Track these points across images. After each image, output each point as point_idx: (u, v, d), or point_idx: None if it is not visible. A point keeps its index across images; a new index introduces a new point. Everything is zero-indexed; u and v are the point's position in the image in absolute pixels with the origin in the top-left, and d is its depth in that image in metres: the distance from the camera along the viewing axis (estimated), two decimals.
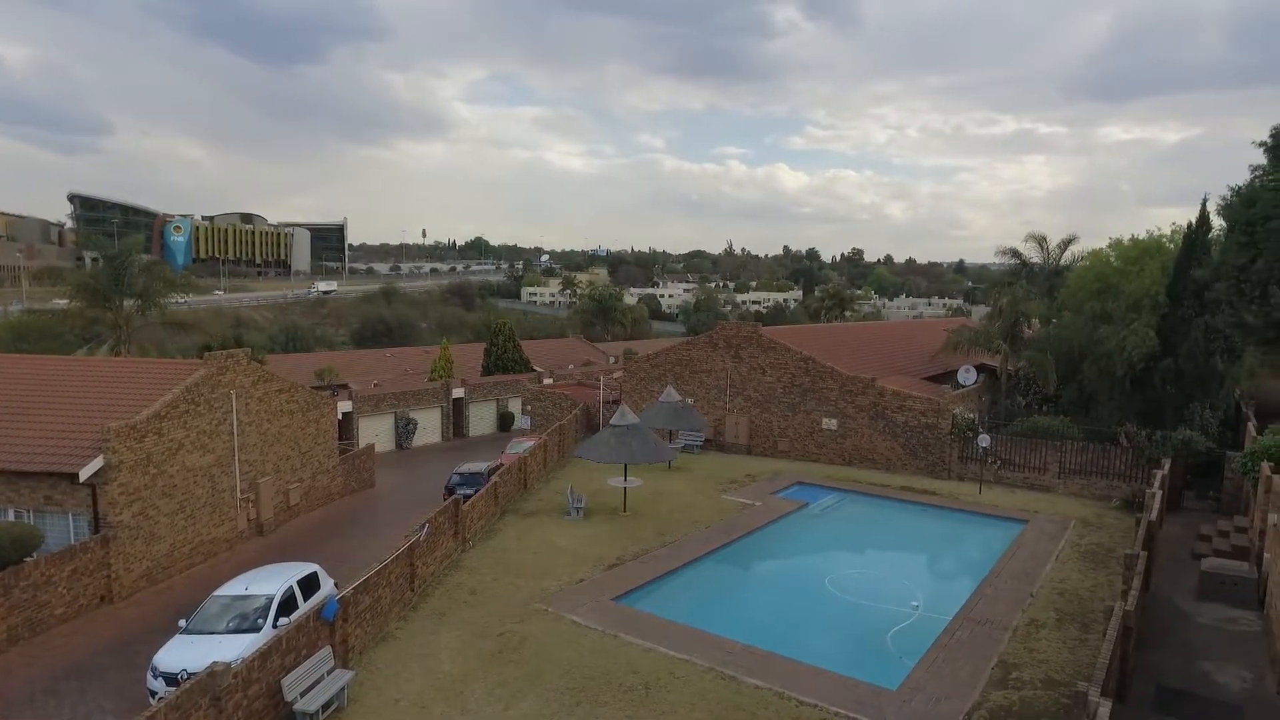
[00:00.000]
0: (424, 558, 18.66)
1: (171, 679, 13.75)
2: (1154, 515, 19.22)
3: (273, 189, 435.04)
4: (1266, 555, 16.76)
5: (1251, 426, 24.71)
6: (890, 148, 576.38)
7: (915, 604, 18.46)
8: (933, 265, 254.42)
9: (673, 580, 19.88)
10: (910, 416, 31.25)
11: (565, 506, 25.00)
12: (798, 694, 13.61)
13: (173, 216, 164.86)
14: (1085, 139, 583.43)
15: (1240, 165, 74.07)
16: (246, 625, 15.17)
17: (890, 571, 22.21)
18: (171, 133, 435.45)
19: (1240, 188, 25.11)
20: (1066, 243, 39.44)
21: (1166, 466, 24.11)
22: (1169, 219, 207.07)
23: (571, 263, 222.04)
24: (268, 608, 15.43)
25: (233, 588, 16.17)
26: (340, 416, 36.49)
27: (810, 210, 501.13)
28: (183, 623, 15.48)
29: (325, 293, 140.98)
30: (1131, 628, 13.32)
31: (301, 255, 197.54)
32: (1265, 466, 18.67)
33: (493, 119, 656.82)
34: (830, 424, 32.96)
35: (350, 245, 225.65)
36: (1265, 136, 24.55)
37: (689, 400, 34.96)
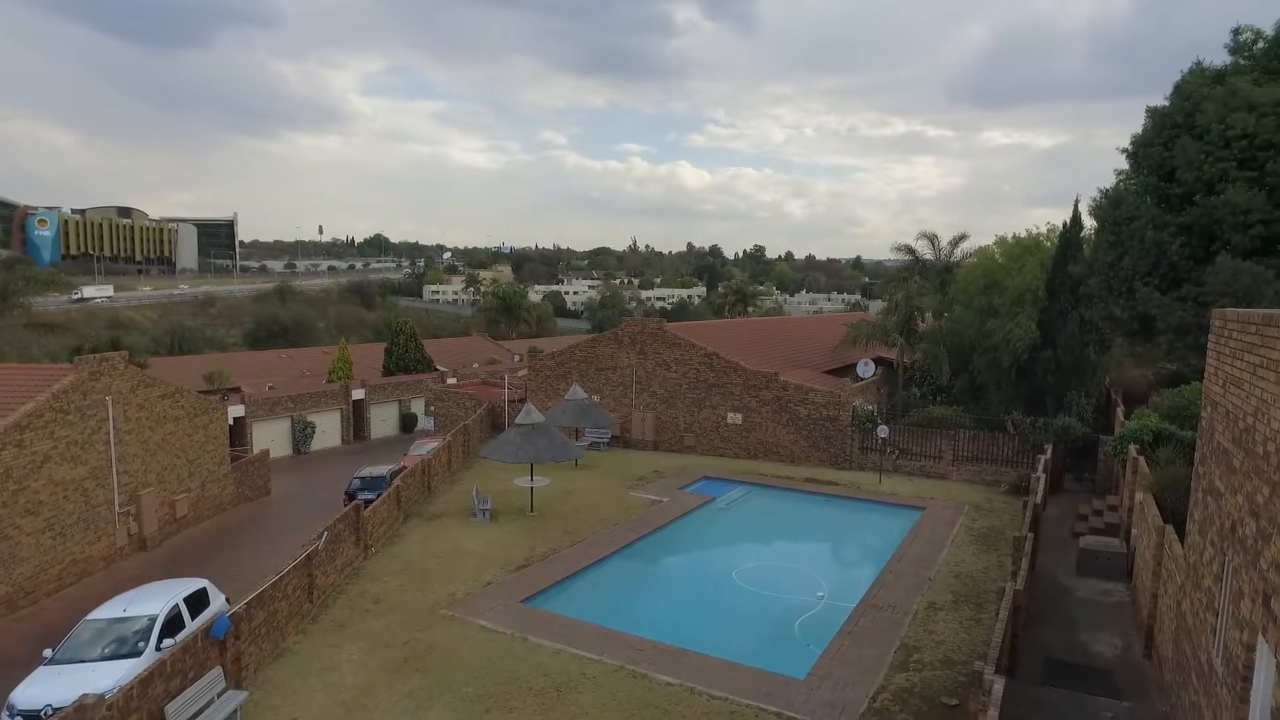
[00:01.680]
0: (323, 567, 17.86)
1: (32, 716, 12.51)
2: (1038, 498, 20.35)
3: (154, 182, 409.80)
4: (1134, 531, 17.97)
5: (1120, 412, 26.52)
6: (789, 147, 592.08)
7: (821, 594, 18.91)
8: (832, 261, 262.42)
9: (582, 580, 19.72)
10: (812, 409, 32.05)
11: (471, 508, 24.46)
12: (708, 688, 13.69)
13: (36, 209, 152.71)
14: (969, 142, 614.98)
15: (1107, 169, 79.46)
16: (125, 650, 13.99)
17: (796, 562, 22.71)
18: (31, 117, 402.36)
19: (1108, 190, 26.82)
20: (957, 240, 41.22)
21: (1049, 451, 25.59)
22: (1046, 218, 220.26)
23: (475, 260, 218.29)
24: (149, 629, 14.33)
25: (109, 610, 14.90)
26: (232, 422, 34.67)
27: (712, 207, 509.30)
28: (48, 652, 14.04)
29: (87, 300, 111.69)
30: (1020, 606, 14.01)
31: (188, 252, 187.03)
32: (1132, 449, 20.02)
33: (391, 112, 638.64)
34: (735, 418, 33.46)
35: (241, 242, 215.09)
36: (1127, 144, 26.32)
37: (595, 398, 34.85)
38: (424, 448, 31.66)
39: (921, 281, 39.92)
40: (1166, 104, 24.92)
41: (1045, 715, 12.31)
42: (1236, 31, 24.71)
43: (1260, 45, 24.14)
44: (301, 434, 41.47)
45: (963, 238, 41.46)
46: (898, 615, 16.89)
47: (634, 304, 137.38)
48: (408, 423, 47.25)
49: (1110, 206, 25.92)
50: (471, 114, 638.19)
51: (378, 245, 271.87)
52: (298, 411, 41.57)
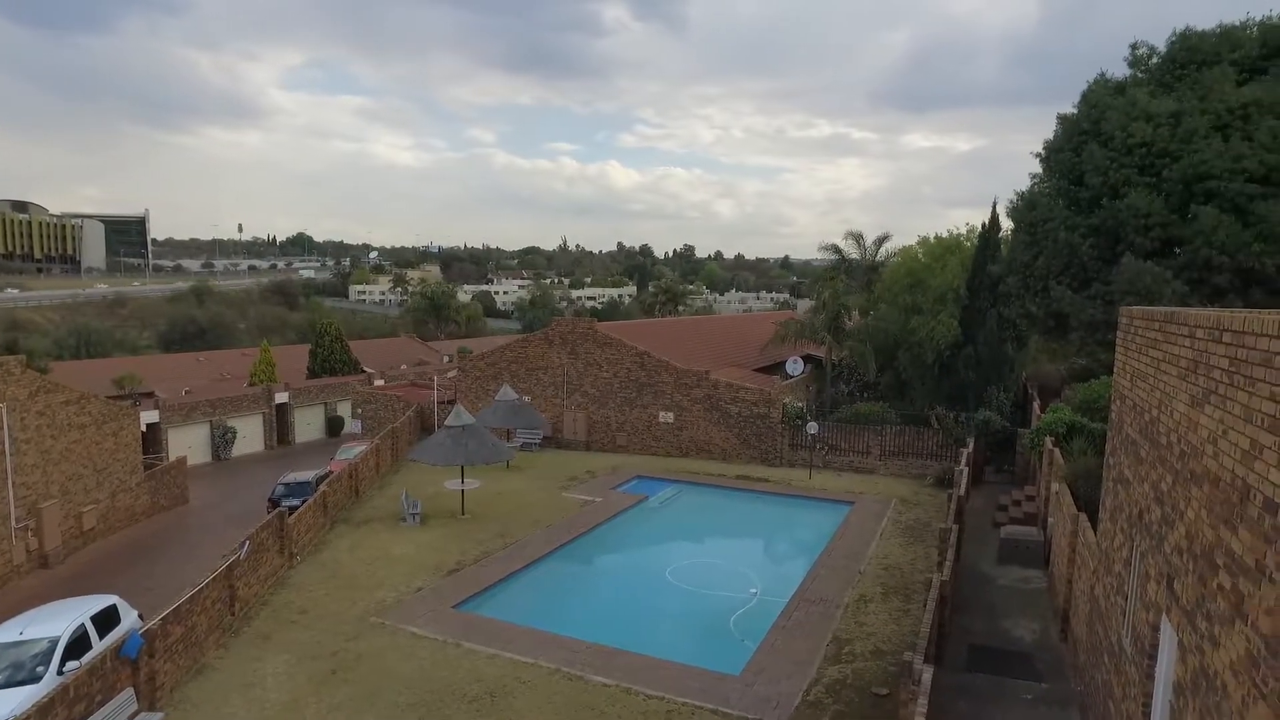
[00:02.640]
0: (245, 578, 17.17)
1: None
2: (962, 490, 21.04)
3: (55, 175, 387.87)
4: (1050, 520, 18.75)
5: (1036, 406, 27.66)
6: (717, 147, 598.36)
7: (754, 590, 19.13)
8: (760, 261, 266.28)
9: (515, 582, 19.49)
10: (743, 407, 32.42)
11: (400, 513, 23.91)
12: (644, 688, 13.68)
13: None
14: (892, 145, 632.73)
15: (1023, 173, 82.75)
16: (22, 676, 12.95)
17: (729, 559, 22.94)
18: None
19: (1023, 193, 27.95)
20: (881, 240, 42.27)
21: (971, 445, 26.49)
22: (966, 219, 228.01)
23: (402, 259, 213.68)
24: (51, 652, 13.36)
25: (4, 633, 13.86)
26: (145, 428, 33.06)
27: (642, 207, 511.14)
28: None
29: None
30: (947, 596, 14.43)
31: (94, 250, 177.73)
32: (1048, 441, 20.88)
33: (313, 107, 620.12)
34: (667, 417, 33.59)
35: (154, 240, 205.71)
36: (1039, 149, 27.50)
37: (526, 398, 34.52)
38: (351, 451, 30.80)
39: (848, 280, 40.84)
40: (1075, 111, 26.12)
41: (970, 700, 12.73)
42: (1134, 46, 26.10)
43: (1155, 60, 25.55)
44: (221, 439, 39.86)
45: (886, 237, 42.56)
46: (830, 608, 17.20)
47: (564, 304, 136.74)
48: (334, 426, 45.93)
49: (1026, 209, 27.02)
50: (397, 110, 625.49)
51: (301, 244, 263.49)
52: (217, 416, 39.93)
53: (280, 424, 43.39)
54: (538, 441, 34.77)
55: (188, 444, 37.56)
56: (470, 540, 22.00)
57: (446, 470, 25.12)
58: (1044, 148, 27.30)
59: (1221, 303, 20.79)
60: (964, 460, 24.35)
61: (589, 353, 34.93)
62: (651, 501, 27.04)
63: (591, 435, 35.07)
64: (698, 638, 16.86)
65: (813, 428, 29.89)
